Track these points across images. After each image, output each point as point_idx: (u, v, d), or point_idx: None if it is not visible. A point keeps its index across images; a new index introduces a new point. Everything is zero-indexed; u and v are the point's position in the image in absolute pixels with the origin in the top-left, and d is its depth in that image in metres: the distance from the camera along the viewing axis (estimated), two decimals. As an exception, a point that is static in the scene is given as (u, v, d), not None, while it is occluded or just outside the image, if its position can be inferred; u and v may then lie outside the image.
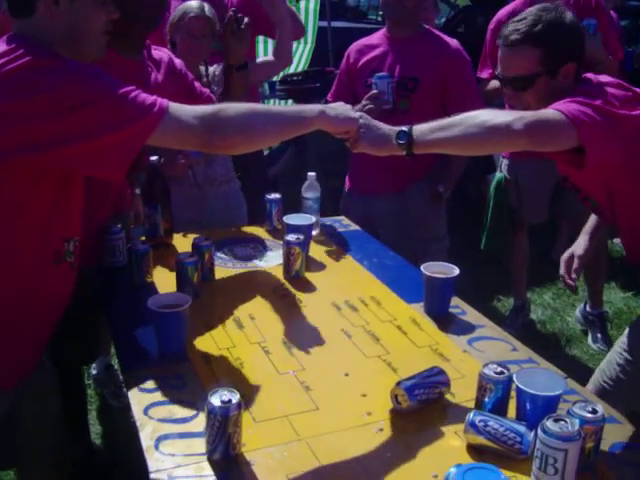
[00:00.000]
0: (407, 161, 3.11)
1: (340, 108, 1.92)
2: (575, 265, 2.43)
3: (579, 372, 3.36)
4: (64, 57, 1.59)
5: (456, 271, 2.13)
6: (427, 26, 3.27)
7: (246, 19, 2.55)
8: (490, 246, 3.99)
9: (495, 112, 1.87)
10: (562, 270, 2.47)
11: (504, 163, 3.75)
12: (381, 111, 3.02)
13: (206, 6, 2.88)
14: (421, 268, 2.14)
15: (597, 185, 2.11)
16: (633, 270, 2.62)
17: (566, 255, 2.49)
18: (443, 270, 2.14)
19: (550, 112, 1.85)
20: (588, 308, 4.08)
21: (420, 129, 1.90)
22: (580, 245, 2.47)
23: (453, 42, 3.22)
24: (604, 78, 2.08)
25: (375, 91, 3.05)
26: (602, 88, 1.98)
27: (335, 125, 1.90)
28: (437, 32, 3.28)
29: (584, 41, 2.07)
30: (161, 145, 1.76)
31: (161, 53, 2.57)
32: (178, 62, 2.61)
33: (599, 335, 3.95)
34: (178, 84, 2.53)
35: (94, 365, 3.40)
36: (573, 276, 2.42)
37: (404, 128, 1.91)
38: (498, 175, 3.82)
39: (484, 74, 3.64)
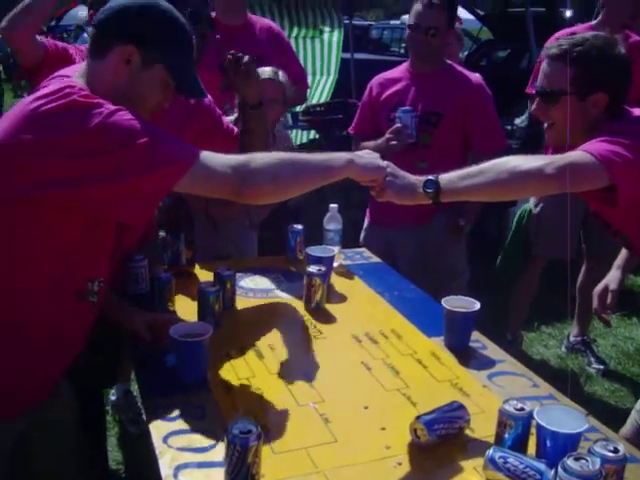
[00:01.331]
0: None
1: (368, 157, 1.94)
2: (609, 300, 2.43)
3: (600, 409, 3.36)
4: (104, 100, 1.62)
5: (477, 305, 2.13)
6: (449, 61, 3.31)
7: (246, 57, 2.46)
8: (503, 272, 4.01)
9: (524, 158, 1.90)
10: (595, 303, 2.47)
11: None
12: (404, 145, 3.05)
13: (280, 72, 2.95)
14: (442, 302, 2.14)
15: (630, 221, 2.12)
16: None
17: (599, 289, 2.48)
18: (464, 304, 2.14)
19: (580, 154, 1.87)
20: (571, 338, 4.15)
21: (447, 178, 1.93)
22: (613, 279, 2.47)
23: (475, 77, 3.26)
24: None
25: (399, 125, 3.08)
26: (638, 124, 2.00)
27: (363, 174, 1.92)
28: (459, 67, 3.32)
29: (626, 78, 2.08)
30: (190, 192, 1.78)
31: None
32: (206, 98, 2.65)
33: (591, 358, 4.02)
34: (206, 119, 2.55)
35: (113, 391, 3.41)
36: (609, 312, 2.42)
37: (431, 177, 1.94)
38: (525, 205, 3.85)
39: (532, 90, 3.69)
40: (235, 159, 1.73)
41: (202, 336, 1.86)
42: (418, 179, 1.98)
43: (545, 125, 2.16)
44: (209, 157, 1.68)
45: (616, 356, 4.15)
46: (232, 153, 1.78)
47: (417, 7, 3.13)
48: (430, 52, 3.15)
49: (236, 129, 2.63)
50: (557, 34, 3.74)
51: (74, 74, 1.74)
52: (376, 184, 1.98)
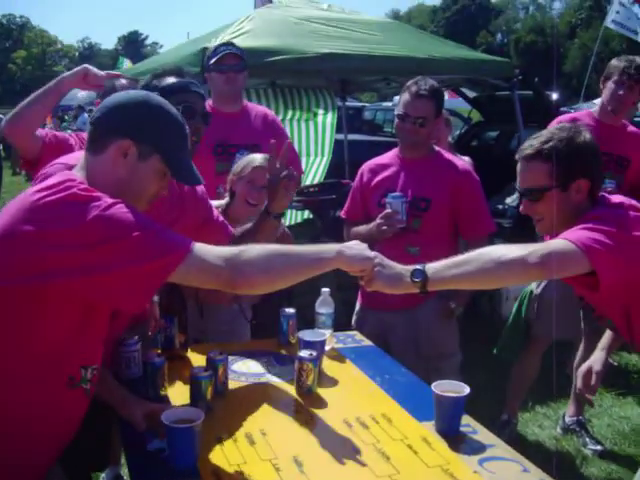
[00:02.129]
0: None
1: (356, 247, 2.01)
2: (593, 381, 2.46)
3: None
4: (103, 194, 1.68)
5: (466, 390, 2.15)
6: (437, 148, 3.41)
7: (295, 172, 2.60)
8: (502, 352, 4.02)
9: (507, 247, 1.97)
10: (579, 384, 2.49)
11: None
12: (395, 230, 3.12)
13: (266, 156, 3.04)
14: (432, 387, 2.16)
15: (611, 305, 2.16)
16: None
17: (583, 369, 2.51)
18: (454, 389, 2.16)
19: (561, 242, 1.94)
20: (567, 418, 4.14)
21: (434, 267, 2.00)
22: (597, 361, 2.50)
23: (462, 163, 3.36)
24: (619, 199, 2.17)
25: (389, 210, 3.15)
26: (617, 210, 2.07)
27: (352, 265, 1.99)
28: (446, 154, 3.41)
29: (598, 161, 2.16)
30: (185, 283, 1.84)
31: None
32: (199, 188, 2.73)
33: (587, 439, 4.00)
34: (198, 209, 2.62)
35: (103, 475, 3.38)
36: (594, 393, 2.44)
37: (418, 267, 2.00)
38: (526, 288, 3.89)
39: None
40: (228, 251, 1.80)
41: (193, 422, 1.87)
42: (405, 268, 2.04)
43: (534, 220, 2.24)
44: (202, 249, 1.74)
45: (612, 436, 4.12)
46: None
47: (405, 97, 3.23)
48: (419, 140, 3.24)
49: (230, 228, 2.67)
50: (559, 118, 3.88)
51: (74, 163, 1.81)
52: (365, 274, 2.03)
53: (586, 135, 2.15)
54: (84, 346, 1.78)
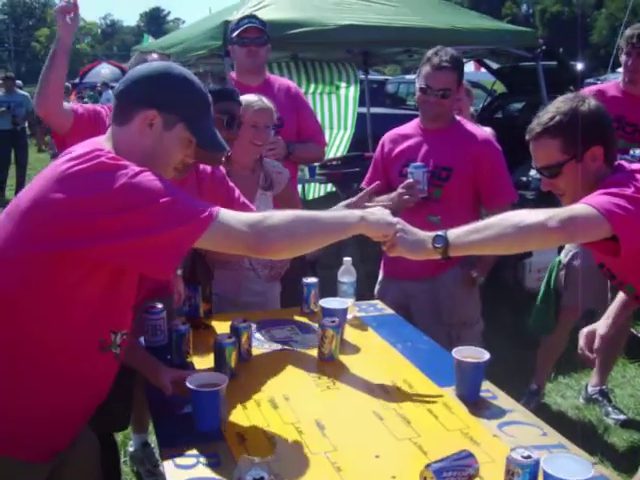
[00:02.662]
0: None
1: (379, 214, 2.04)
2: (596, 344, 2.47)
3: (618, 460, 3.35)
4: (130, 162, 1.73)
5: (487, 356, 2.17)
6: (459, 117, 3.40)
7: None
8: (535, 327, 4.03)
9: (528, 212, 1.97)
10: (581, 343, 2.50)
11: (565, 246, 3.85)
12: (416, 199, 3.14)
13: (264, 98, 3.05)
14: (452, 352, 2.19)
15: (633, 271, 2.16)
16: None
17: (586, 331, 2.52)
18: (474, 354, 2.19)
19: (582, 207, 1.94)
20: (589, 388, 4.15)
21: (456, 233, 2.01)
22: (603, 325, 2.51)
23: (483, 133, 3.35)
24: (636, 165, 2.16)
25: (410, 180, 3.16)
26: (634, 175, 2.07)
27: (375, 230, 2.03)
28: (468, 123, 3.41)
29: (607, 123, 2.16)
30: (210, 248, 1.89)
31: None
32: (218, 171, 2.75)
33: (609, 408, 4.00)
34: (218, 189, 2.67)
35: (131, 442, 3.46)
36: (593, 355, 2.45)
37: (440, 233, 2.01)
38: (557, 258, 3.89)
39: None
40: (252, 217, 1.84)
41: (218, 386, 1.91)
42: (428, 234, 2.06)
43: (558, 195, 2.24)
44: (227, 215, 1.78)
45: (634, 406, 4.12)
46: None
47: (426, 69, 3.22)
48: (442, 112, 3.25)
49: (253, 208, 2.70)
50: (585, 89, 3.85)
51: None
52: (387, 240, 2.05)
53: (590, 102, 2.14)
54: (114, 311, 1.83)
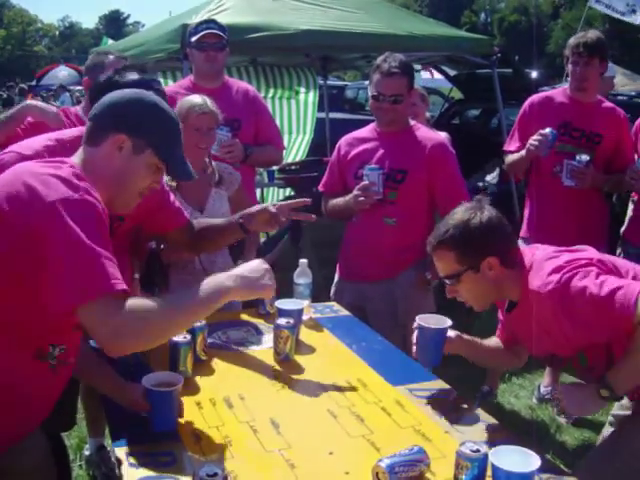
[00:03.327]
0: (397, 250, 3.26)
1: (252, 276, 2.00)
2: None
3: (570, 458, 3.42)
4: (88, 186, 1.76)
5: (449, 322, 2.28)
6: (413, 122, 3.46)
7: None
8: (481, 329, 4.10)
9: None
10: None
11: None
12: (372, 201, 3.18)
13: (208, 100, 3.05)
14: (416, 319, 2.27)
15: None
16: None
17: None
18: (436, 321, 2.27)
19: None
20: (542, 388, 4.23)
21: (615, 380, 2.03)
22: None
23: (437, 136, 3.42)
24: (531, 249, 2.30)
25: (366, 182, 3.21)
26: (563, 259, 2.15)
27: (248, 295, 2.05)
28: (422, 127, 3.46)
29: (500, 233, 2.21)
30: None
31: None
32: None
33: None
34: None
35: (87, 446, 3.43)
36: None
37: (606, 384, 2.03)
38: None
39: (512, 147, 3.88)
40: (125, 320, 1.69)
41: (173, 386, 1.92)
42: (590, 387, 2.08)
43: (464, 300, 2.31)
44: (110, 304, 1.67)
45: (585, 406, 4.21)
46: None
47: (377, 77, 3.26)
48: (396, 117, 3.29)
49: (186, 214, 2.65)
50: (532, 98, 3.93)
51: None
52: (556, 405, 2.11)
53: (483, 214, 2.18)
54: (52, 325, 1.79)
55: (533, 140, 3.51)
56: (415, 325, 2.31)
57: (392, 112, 3.27)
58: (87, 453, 3.42)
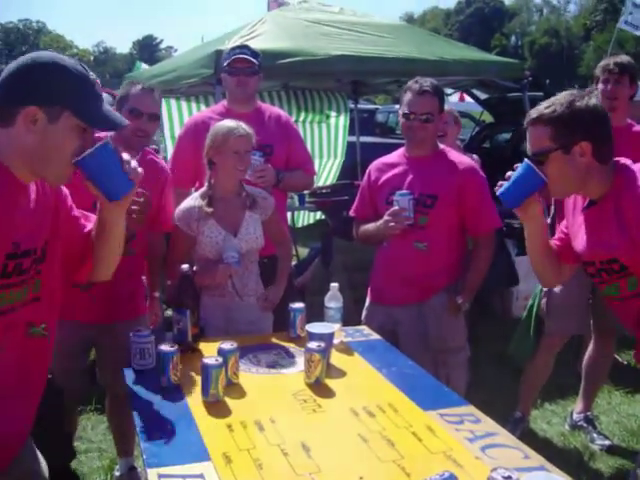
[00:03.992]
0: (429, 274, 3.26)
1: None
2: None
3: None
4: None
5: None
6: (442, 145, 3.47)
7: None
8: (515, 352, 4.08)
9: None
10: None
11: None
12: (402, 226, 3.20)
13: (242, 123, 3.10)
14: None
15: None
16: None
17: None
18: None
19: None
20: (575, 415, 4.18)
21: None
22: None
23: (467, 160, 3.42)
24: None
25: (397, 207, 3.23)
26: None
27: None
28: (452, 151, 3.47)
29: (602, 122, 2.23)
30: None
31: None
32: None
33: (594, 435, 4.04)
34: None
35: (117, 467, 3.46)
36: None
37: None
38: (539, 286, 3.95)
39: None
40: None
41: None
42: None
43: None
44: None
45: (619, 433, 4.15)
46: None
47: (409, 96, 3.30)
48: (426, 137, 3.31)
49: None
50: None
51: None
52: None
53: (590, 100, 2.21)
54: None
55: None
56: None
57: (423, 131, 3.29)
58: (117, 474, 3.44)
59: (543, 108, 2.21)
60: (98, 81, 1.90)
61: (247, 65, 3.75)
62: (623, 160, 2.30)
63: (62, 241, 1.99)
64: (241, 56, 3.75)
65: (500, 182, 2.31)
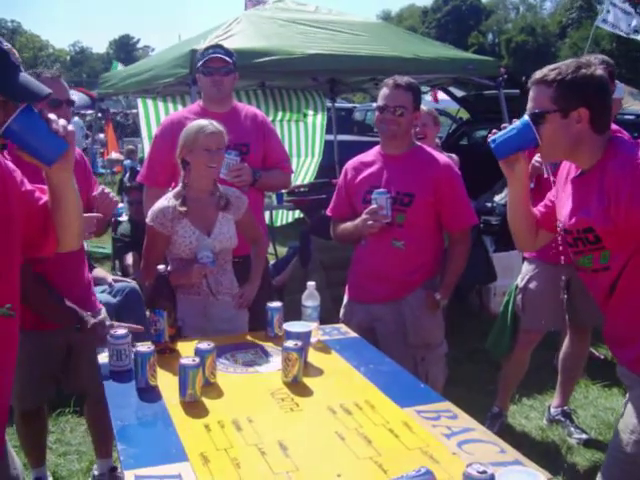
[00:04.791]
0: (406, 272, 3.28)
1: None
2: None
3: (579, 478, 3.41)
4: None
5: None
6: (419, 143, 3.49)
7: None
8: (491, 348, 4.11)
9: None
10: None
11: (523, 268, 3.98)
12: (380, 225, 3.22)
13: (214, 122, 3.09)
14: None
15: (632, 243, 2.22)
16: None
17: None
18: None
19: None
20: (552, 409, 4.23)
21: None
22: None
23: (442, 157, 3.43)
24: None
25: (375, 206, 3.24)
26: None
27: None
28: (428, 149, 3.49)
29: (604, 93, 2.26)
30: None
31: None
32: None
33: (572, 428, 4.09)
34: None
35: (95, 466, 3.45)
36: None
37: None
38: (515, 282, 3.98)
39: None
40: None
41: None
42: None
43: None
44: None
45: (597, 426, 4.19)
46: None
47: (384, 91, 3.32)
48: (399, 131, 3.30)
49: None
50: None
51: None
52: None
53: (596, 69, 2.25)
54: None
55: (538, 158, 3.47)
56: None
57: (395, 124, 3.29)
58: (96, 473, 3.41)
59: (549, 70, 2.25)
60: (14, 50, 1.81)
61: (222, 64, 3.74)
62: (620, 133, 2.34)
63: (19, 220, 1.95)
64: (215, 55, 3.74)
65: (495, 130, 2.36)
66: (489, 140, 2.35)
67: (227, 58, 3.74)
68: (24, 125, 1.74)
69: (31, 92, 1.76)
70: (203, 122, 3.08)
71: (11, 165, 1.98)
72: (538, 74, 2.27)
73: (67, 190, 1.98)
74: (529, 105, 2.31)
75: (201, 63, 3.76)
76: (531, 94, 2.30)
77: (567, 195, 2.38)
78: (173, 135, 3.37)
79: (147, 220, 3.09)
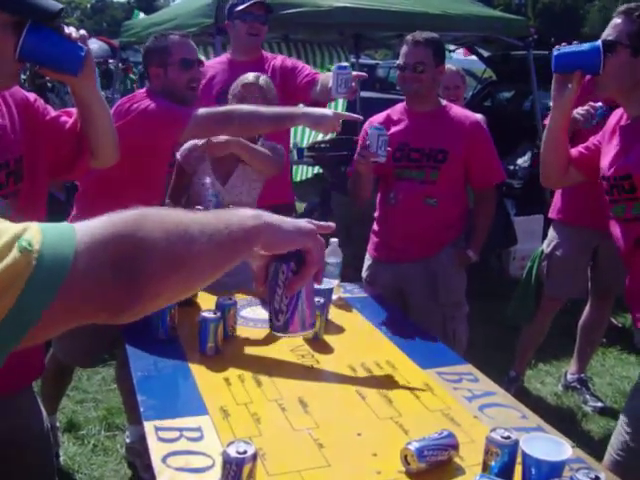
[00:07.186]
0: (439, 229, 3.22)
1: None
2: None
3: (596, 447, 3.39)
4: None
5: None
6: (445, 102, 3.40)
7: None
8: (514, 315, 4.08)
9: None
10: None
11: (549, 233, 3.93)
12: (370, 164, 3.08)
13: (262, 76, 3.03)
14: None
15: None
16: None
17: None
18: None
19: None
20: (569, 375, 4.20)
21: None
22: None
23: (472, 116, 3.36)
24: None
25: (368, 142, 3.07)
26: None
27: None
28: (455, 106, 3.41)
29: None
30: None
31: None
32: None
33: (587, 396, 4.07)
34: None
35: (127, 433, 3.33)
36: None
37: None
38: (540, 248, 3.94)
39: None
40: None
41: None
42: None
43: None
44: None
45: (612, 395, 4.18)
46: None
47: (403, 49, 3.24)
48: (421, 89, 3.21)
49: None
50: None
51: None
52: None
53: None
54: None
55: (580, 110, 3.34)
56: None
57: (416, 82, 3.19)
58: (128, 440, 3.30)
59: (635, 6, 2.25)
60: None
61: (262, 12, 3.64)
62: None
63: (47, 148, 1.91)
64: (259, 0, 3.63)
65: (564, 44, 2.38)
66: (553, 51, 2.34)
67: (267, 6, 3.65)
68: (37, 39, 1.67)
69: (43, 8, 1.65)
70: (251, 74, 3.06)
71: (32, 96, 1.94)
72: (623, 7, 2.28)
73: (95, 99, 1.96)
74: (605, 32, 2.29)
75: (242, 7, 3.64)
76: (611, 22, 2.29)
77: (613, 146, 2.35)
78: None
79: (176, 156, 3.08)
